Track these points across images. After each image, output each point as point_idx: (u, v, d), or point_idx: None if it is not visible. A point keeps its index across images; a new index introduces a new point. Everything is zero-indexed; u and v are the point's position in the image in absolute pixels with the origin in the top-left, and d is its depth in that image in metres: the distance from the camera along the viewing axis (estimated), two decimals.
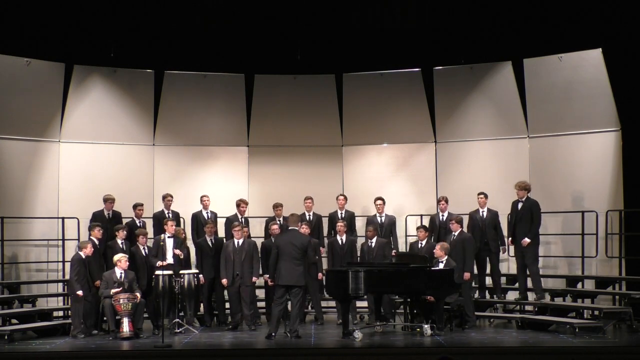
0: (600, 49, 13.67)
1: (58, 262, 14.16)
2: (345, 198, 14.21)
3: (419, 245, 13.10)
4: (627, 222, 13.37)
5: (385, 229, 13.78)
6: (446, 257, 12.35)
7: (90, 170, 14.72)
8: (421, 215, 14.70)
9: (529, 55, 14.39)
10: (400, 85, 15.46)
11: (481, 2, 14.32)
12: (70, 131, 14.67)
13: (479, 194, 13.40)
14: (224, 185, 15.22)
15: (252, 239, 13.32)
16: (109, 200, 13.56)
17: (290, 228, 11.98)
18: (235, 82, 15.58)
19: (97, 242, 12.57)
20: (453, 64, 15.10)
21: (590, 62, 13.80)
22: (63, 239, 14.10)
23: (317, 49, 15.19)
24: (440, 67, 15.29)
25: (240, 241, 12.69)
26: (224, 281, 12.66)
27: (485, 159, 14.94)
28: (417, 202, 15.14)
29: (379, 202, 13.92)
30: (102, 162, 14.82)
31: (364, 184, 15.38)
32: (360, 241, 13.72)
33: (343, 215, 14.03)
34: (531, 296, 13.08)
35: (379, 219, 13.87)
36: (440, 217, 13.57)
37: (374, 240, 13.10)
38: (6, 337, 11.42)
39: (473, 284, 13.24)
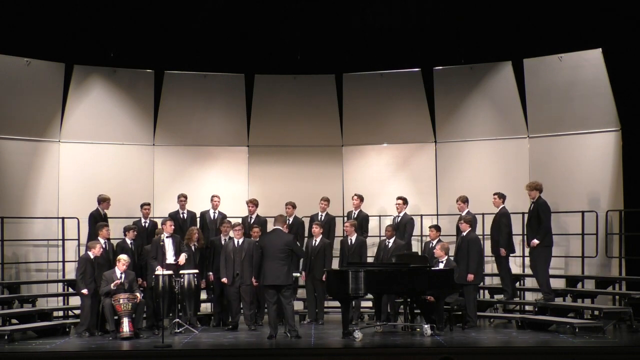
0: (600, 49, 13.67)
1: (58, 262, 14.17)
2: (360, 198, 14.03)
3: (430, 244, 13.06)
4: (627, 222, 13.37)
5: (400, 228, 13.69)
6: (446, 257, 12.34)
7: (90, 170, 14.72)
8: (421, 215, 14.69)
9: (529, 55, 14.39)
10: (400, 85, 15.46)
11: (481, 2, 14.31)
12: (70, 131, 14.67)
13: (493, 194, 13.32)
14: (224, 185, 15.21)
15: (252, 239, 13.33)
16: (106, 200, 13.56)
17: (274, 228, 11.94)
18: (235, 82, 15.59)
19: (104, 242, 12.58)
20: (453, 64, 15.10)
21: (590, 62, 13.79)
22: (63, 239, 14.10)
23: (317, 49, 15.19)
24: (440, 67, 15.29)
25: (240, 241, 12.69)
26: (224, 280, 12.67)
27: (485, 159, 14.94)
28: (417, 202, 15.12)
29: (398, 201, 13.79)
30: (102, 162, 14.83)
31: (364, 184, 15.36)
32: (371, 241, 13.66)
33: (355, 216, 13.97)
34: (538, 296, 13.07)
35: (396, 218, 13.82)
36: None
37: (392, 240, 13.08)
38: (6, 337, 11.41)
39: (481, 284, 13.21)
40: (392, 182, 15.38)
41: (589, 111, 13.85)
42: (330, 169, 15.57)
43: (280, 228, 11.89)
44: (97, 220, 13.19)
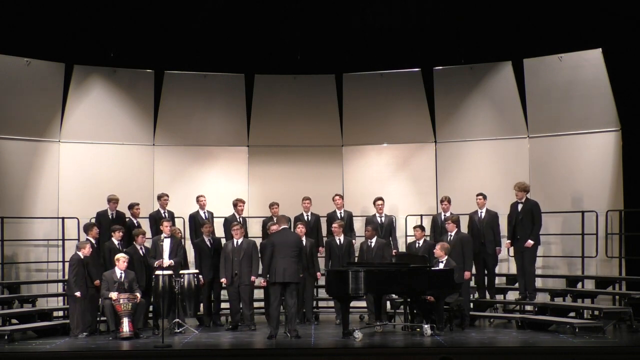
0: (600, 49, 13.67)
1: (58, 262, 14.16)
2: (342, 198, 14.16)
3: (417, 244, 13.09)
4: (627, 222, 13.37)
5: (385, 229, 13.76)
6: (446, 257, 12.34)
7: (90, 170, 14.72)
8: (421, 215, 14.69)
9: (529, 55, 14.39)
10: (400, 85, 15.47)
11: (481, 2, 14.32)
12: (70, 131, 14.67)
13: (477, 195, 13.39)
14: (224, 185, 15.22)
15: (251, 238, 13.32)
16: (113, 201, 13.56)
17: (282, 227, 11.98)
18: (235, 82, 15.59)
19: (94, 242, 12.57)
20: (453, 64, 15.10)
21: (590, 62, 13.80)
22: (63, 239, 14.10)
23: (317, 49, 15.19)
24: (440, 67, 15.29)
25: (240, 241, 12.69)
26: (223, 280, 12.67)
27: (485, 159, 14.94)
28: (417, 202, 15.14)
29: (379, 202, 13.90)
30: (102, 162, 14.83)
31: (364, 184, 15.38)
32: (359, 241, 13.70)
33: (342, 216, 14.00)
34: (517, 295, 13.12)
35: (378, 219, 13.86)
36: (443, 217, 13.54)
37: (374, 240, 13.08)
38: (6, 337, 11.41)
39: (472, 284, 13.24)
40: (392, 182, 15.39)
41: (589, 111, 13.85)
42: (330, 169, 15.57)
43: (287, 227, 11.94)
44: (101, 221, 13.21)
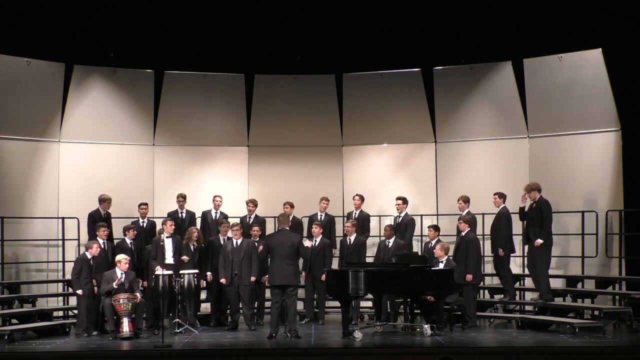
0: (600, 49, 13.67)
1: (58, 262, 14.18)
2: (361, 198, 14.07)
3: (430, 244, 13.06)
4: (627, 222, 13.36)
5: (401, 228, 13.69)
6: (446, 257, 12.34)
7: (90, 170, 14.73)
8: (421, 215, 14.69)
9: (529, 55, 14.39)
10: (400, 85, 15.46)
11: (481, 2, 14.32)
12: (70, 131, 14.68)
13: (493, 194, 13.31)
14: (224, 185, 15.21)
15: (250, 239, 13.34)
16: (107, 201, 13.56)
17: (280, 228, 11.97)
18: (235, 82, 15.59)
19: (102, 242, 12.57)
20: (453, 64, 15.10)
21: (590, 62, 13.80)
22: (63, 239, 14.11)
23: (317, 49, 15.19)
24: (440, 67, 15.28)
25: (239, 241, 12.69)
26: (223, 280, 12.67)
27: (485, 159, 14.94)
28: (417, 202, 15.11)
29: (398, 201, 13.82)
30: (102, 162, 14.84)
31: (364, 184, 15.35)
32: (372, 241, 13.66)
33: (356, 216, 13.97)
34: (534, 295, 13.06)
35: (398, 218, 13.81)
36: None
37: (392, 240, 13.07)
38: (6, 337, 11.42)
39: (481, 284, 13.20)
40: (392, 182, 15.38)
41: (589, 111, 13.85)
42: (330, 169, 15.57)
43: (287, 228, 11.91)
44: (96, 220, 13.20)
